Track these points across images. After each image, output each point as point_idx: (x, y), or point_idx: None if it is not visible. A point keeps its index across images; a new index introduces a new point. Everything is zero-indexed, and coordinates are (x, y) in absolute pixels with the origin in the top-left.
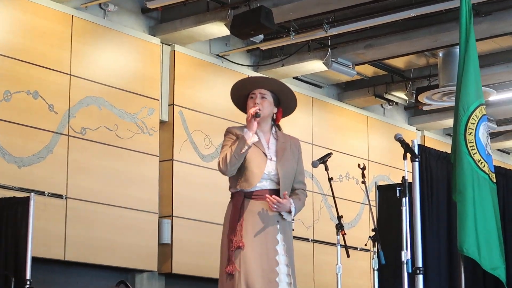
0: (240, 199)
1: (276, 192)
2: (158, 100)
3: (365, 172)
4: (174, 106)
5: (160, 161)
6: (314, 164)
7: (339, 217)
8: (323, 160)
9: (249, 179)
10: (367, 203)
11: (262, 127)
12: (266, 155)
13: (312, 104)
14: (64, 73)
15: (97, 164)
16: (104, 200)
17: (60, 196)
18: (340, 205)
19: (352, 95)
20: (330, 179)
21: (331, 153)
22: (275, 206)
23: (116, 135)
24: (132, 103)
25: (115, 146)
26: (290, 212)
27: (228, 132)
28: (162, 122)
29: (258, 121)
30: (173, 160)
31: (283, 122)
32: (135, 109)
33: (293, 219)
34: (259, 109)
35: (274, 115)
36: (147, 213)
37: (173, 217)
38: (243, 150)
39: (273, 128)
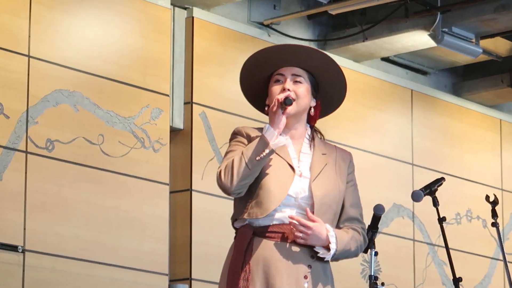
0: (246, 237)
1: None
2: (168, 95)
3: (498, 208)
4: (193, 105)
5: (171, 193)
6: (416, 196)
7: (457, 280)
8: (431, 189)
9: (263, 202)
10: (501, 258)
11: (292, 127)
12: (293, 169)
13: (411, 101)
14: (19, 53)
15: (72, 198)
16: (83, 255)
17: (14, 248)
18: (458, 262)
19: (475, 86)
20: (441, 220)
21: (442, 179)
22: (301, 233)
23: (102, 152)
24: (126, 101)
25: (100, 169)
26: (327, 246)
27: (236, 133)
28: (174, 131)
29: (287, 116)
30: (191, 190)
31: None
32: (132, 110)
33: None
34: (289, 95)
35: (311, 110)
36: (151, 274)
37: (192, 281)
38: (261, 156)
39: (308, 132)
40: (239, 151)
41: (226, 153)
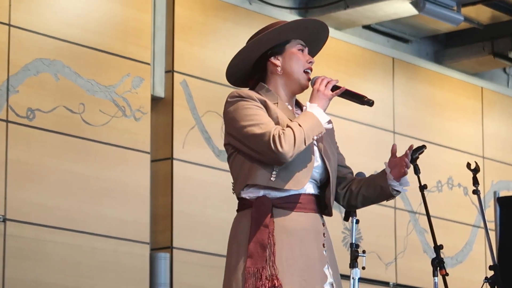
0: (266, 209)
1: (318, 198)
2: (149, 64)
3: (479, 176)
4: (174, 73)
5: (152, 161)
6: None
7: (438, 248)
8: (412, 157)
9: (296, 174)
10: (482, 225)
11: (289, 95)
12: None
13: (393, 69)
14: None
15: (53, 167)
16: (64, 224)
17: None
18: (439, 229)
19: (457, 54)
20: (423, 188)
21: (424, 147)
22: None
23: (83, 120)
24: (107, 70)
25: (81, 138)
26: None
27: (245, 97)
28: (155, 99)
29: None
30: (172, 159)
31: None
32: (113, 78)
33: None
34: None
35: None
36: (132, 243)
37: (173, 250)
38: (318, 136)
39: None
40: (264, 116)
41: (248, 115)
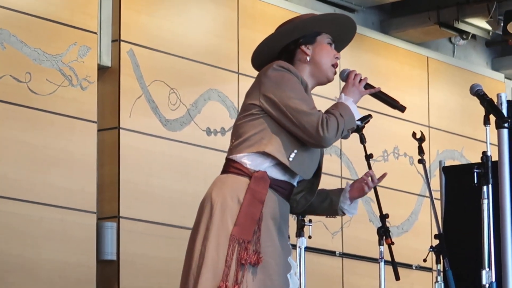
0: (266, 185)
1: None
2: (96, 33)
3: (424, 145)
4: (121, 42)
5: (99, 130)
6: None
7: (383, 217)
8: (358, 126)
9: (309, 164)
10: (428, 194)
11: (313, 84)
12: None
13: None
14: None
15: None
16: (11, 193)
17: None
18: (384, 199)
19: (403, 23)
20: (368, 157)
21: (370, 116)
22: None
23: (29, 89)
24: (53, 39)
25: (28, 107)
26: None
27: (295, 74)
28: (102, 68)
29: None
30: (119, 128)
31: None
32: (59, 47)
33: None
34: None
35: None
36: (80, 212)
37: (120, 219)
38: (349, 132)
39: None
40: (309, 99)
41: (296, 89)
